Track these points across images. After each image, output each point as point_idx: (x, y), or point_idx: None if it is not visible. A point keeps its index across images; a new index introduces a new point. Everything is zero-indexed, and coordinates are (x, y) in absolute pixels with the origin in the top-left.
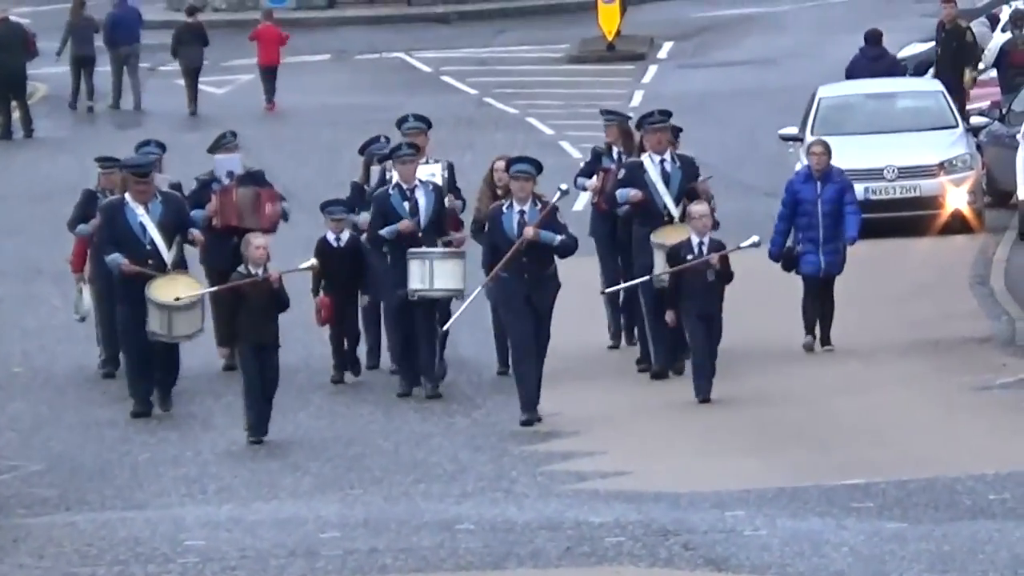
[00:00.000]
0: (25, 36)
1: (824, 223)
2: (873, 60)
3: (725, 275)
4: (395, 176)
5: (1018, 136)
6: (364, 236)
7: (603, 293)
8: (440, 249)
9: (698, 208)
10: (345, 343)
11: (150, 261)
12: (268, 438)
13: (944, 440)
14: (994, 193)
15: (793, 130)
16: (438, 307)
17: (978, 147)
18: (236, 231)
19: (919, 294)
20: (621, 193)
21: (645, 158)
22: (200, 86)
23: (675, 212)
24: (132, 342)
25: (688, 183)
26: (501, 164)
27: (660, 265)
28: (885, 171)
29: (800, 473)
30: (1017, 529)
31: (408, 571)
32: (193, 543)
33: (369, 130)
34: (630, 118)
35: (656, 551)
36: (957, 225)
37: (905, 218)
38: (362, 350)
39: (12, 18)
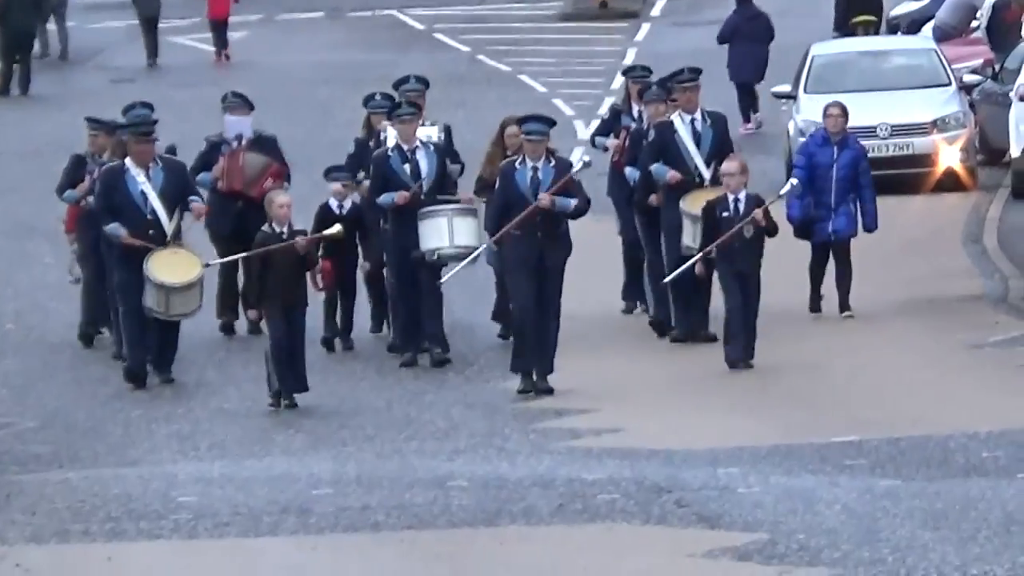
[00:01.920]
0: None
1: (838, 188)
2: (748, 20)
3: (770, 229)
4: (391, 137)
5: (1011, 94)
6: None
7: (665, 281)
8: (455, 205)
9: (727, 165)
10: (339, 312)
11: (151, 231)
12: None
13: (937, 398)
14: (987, 151)
15: (786, 88)
16: (427, 276)
17: (971, 105)
18: (241, 196)
19: (912, 252)
20: (657, 170)
21: (675, 117)
22: (192, 43)
23: (706, 174)
24: (130, 306)
25: (720, 142)
26: (513, 129)
27: (690, 233)
28: (878, 129)
29: (793, 431)
30: (1009, 487)
31: (400, 528)
32: (186, 500)
33: (362, 88)
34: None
35: (649, 508)
36: (950, 183)
37: (898, 176)
38: (362, 319)
39: None
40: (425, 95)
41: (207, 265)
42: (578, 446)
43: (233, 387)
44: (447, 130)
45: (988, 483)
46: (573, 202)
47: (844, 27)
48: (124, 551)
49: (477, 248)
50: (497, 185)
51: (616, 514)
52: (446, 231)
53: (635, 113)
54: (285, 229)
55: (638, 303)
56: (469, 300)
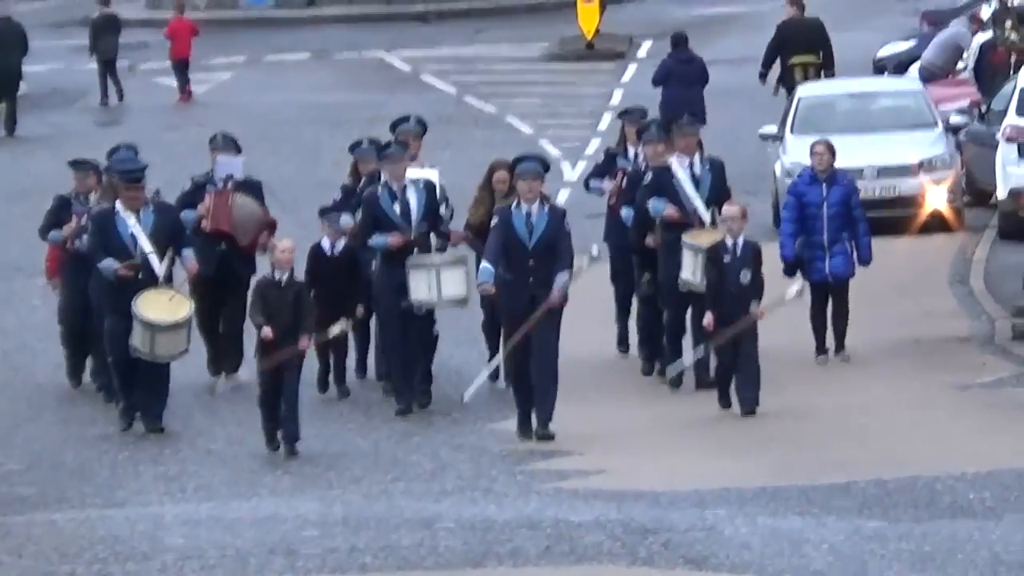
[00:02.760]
0: (23, 34)
1: (830, 227)
2: (682, 63)
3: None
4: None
5: (997, 135)
6: (352, 238)
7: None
8: (443, 257)
9: (728, 210)
10: (331, 357)
11: (140, 275)
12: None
13: (924, 439)
14: (973, 192)
15: (773, 129)
16: (418, 322)
17: (957, 146)
18: (225, 237)
19: (899, 293)
20: (655, 206)
21: (673, 161)
22: (176, 83)
23: (706, 217)
24: (118, 354)
25: (719, 186)
26: (502, 175)
27: (690, 266)
28: (865, 171)
29: (780, 472)
30: (997, 528)
31: (388, 569)
32: (172, 541)
33: (349, 129)
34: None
35: (636, 550)
36: (936, 224)
37: (885, 218)
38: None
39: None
40: (422, 138)
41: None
42: (565, 488)
43: (220, 428)
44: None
45: (975, 524)
46: (567, 276)
47: (770, 66)
48: None
49: (463, 298)
50: (495, 224)
51: (603, 556)
52: (434, 284)
53: (630, 155)
54: (285, 276)
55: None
56: (456, 341)
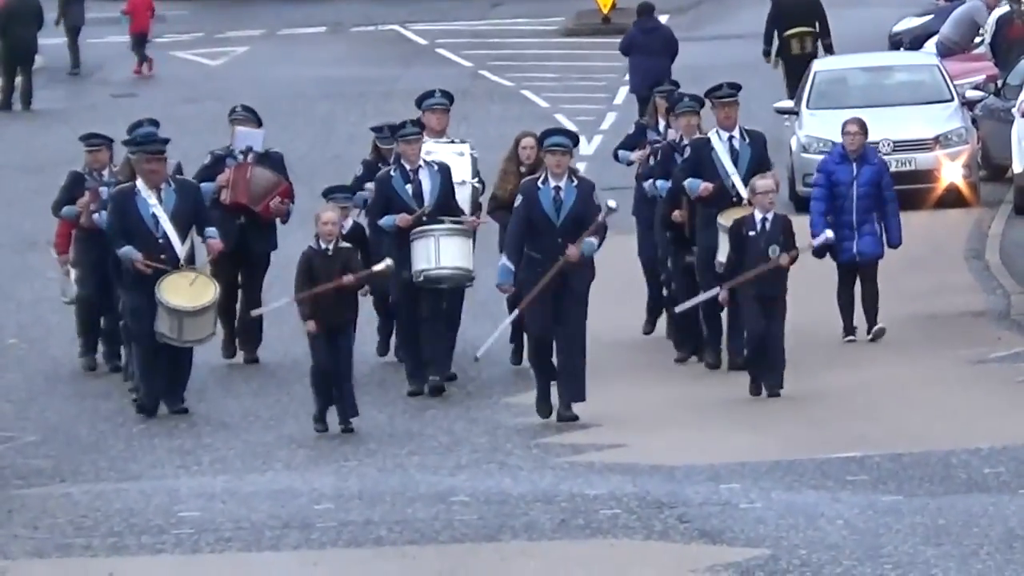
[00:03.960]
0: (38, 8)
1: (859, 206)
2: (646, 33)
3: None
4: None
5: (1013, 110)
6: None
7: (676, 311)
8: (445, 225)
9: (763, 183)
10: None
11: (163, 255)
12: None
13: (939, 414)
14: (989, 167)
15: (789, 103)
16: (445, 297)
17: (973, 121)
18: (244, 210)
19: (914, 268)
20: (691, 185)
21: (712, 134)
22: (193, 57)
23: (744, 193)
24: (142, 333)
25: (759, 160)
26: (529, 140)
27: (725, 248)
28: (880, 145)
29: (795, 446)
30: (1011, 503)
31: (403, 543)
32: (187, 514)
33: (364, 103)
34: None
35: (651, 524)
36: (952, 199)
37: (900, 192)
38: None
39: None
40: (449, 110)
41: (259, 313)
42: (580, 461)
43: (235, 402)
44: (473, 147)
45: (990, 499)
46: (597, 243)
47: (772, 40)
48: (126, 566)
49: (466, 270)
50: (518, 203)
51: (618, 529)
52: (433, 252)
53: (660, 128)
54: (331, 245)
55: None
56: (472, 316)
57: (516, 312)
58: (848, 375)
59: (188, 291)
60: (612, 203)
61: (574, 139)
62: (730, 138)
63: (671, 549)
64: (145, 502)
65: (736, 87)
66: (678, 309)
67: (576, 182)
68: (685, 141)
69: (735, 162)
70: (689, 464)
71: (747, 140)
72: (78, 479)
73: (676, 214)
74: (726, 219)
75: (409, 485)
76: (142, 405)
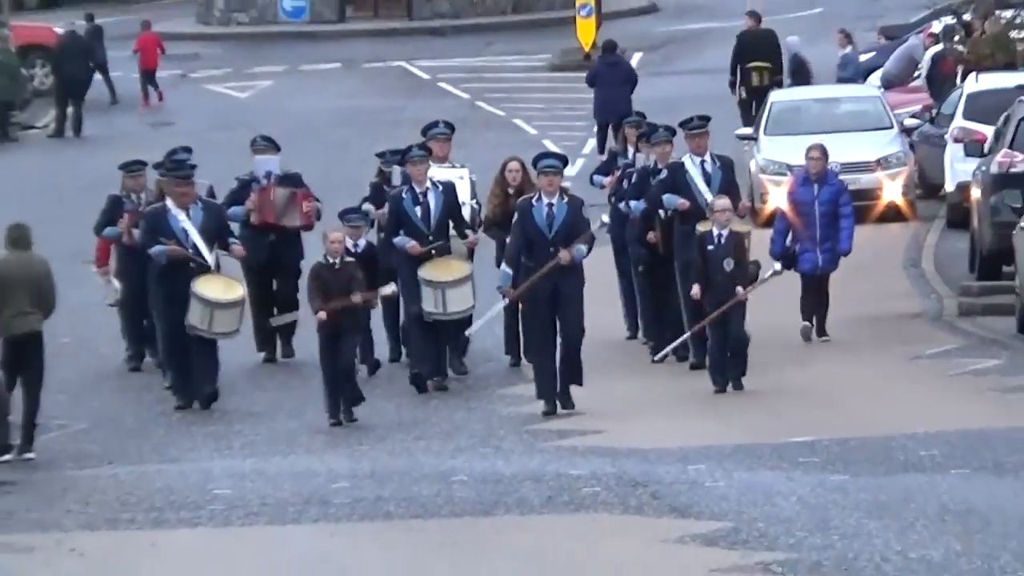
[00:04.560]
0: (89, 46)
1: (821, 223)
2: (609, 67)
3: (747, 274)
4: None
5: (946, 136)
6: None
7: (654, 361)
8: (449, 278)
9: (719, 203)
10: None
11: (192, 264)
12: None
13: (881, 403)
14: (925, 186)
15: (748, 131)
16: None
17: (911, 145)
18: (272, 228)
19: (859, 276)
20: (669, 199)
21: (686, 159)
22: (225, 90)
23: None
24: (170, 324)
25: (728, 182)
26: (515, 165)
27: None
28: (831, 166)
29: (754, 432)
30: (943, 481)
31: (409, 517)
32: (220, 492)
33: (374, 130)
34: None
35: (627, 500)
36: (892, 214)
37: None
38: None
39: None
40: (450, 139)
41: (275, 323)
42: (565, 445)
43: (262, 393)
44: (471, 172)
45: (925, 478)
46: (586, 249)
47: (736, 71)
48: (166, 537)
49: (470, 308)
50: (515, 219)
51: (598, 505)
52: (440, 302)
53: (630, 155)
54: (338, 260)
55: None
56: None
57: (507, 301)
58: (801, 371)
59: (220, 288)
60: (605, 218)
61: (564, 161)
62: (702, 162)
63: (645, 522)
64: (183, 481)
65: (706, 119)
66: (656, 358)
67: (567, 199)
68: (660, 166)
69: (708, 184)
70: (661, 448)
71: (717, 164)
72: (124, 461)
73: (650, 235)
74: (704, 226)
75: (414, 466)
76: (180, 406)
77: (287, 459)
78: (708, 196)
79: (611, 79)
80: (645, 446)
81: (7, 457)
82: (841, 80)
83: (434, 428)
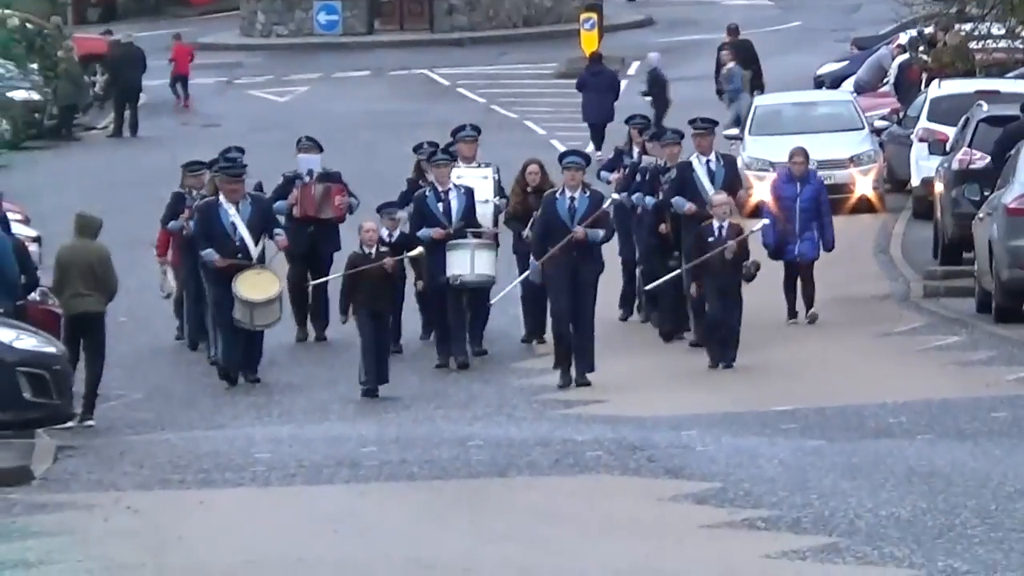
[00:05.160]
0: (143, 55)
1: (802, 217)
2: (594, 75)
3: (742, 255)
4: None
5: (912, 136)
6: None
7: (647, 289)
8: (478, 240)
9: (718, 198)
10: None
11: (239, 255)
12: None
13: (854, 376)
14: (893, 181)
15: (735, 131)
16: (469, 295)
17: (880, 145)
18: (313, 220)
19: (833, 261)
20: (677, 202)
21: (693, 158)
22: (265, 95)
23: None
24: (223, 317)
25: (731, 179)
26: (534, 167)
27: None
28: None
29: (741, 402)
30: (911, 446)
31: (431, 478)
32: (261, 456)
33: (400, 131)
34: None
35: (626, 463)
36: (864, 206)
37: None
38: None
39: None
40: (478, 140)
41: (308, 284)
42: (571, 414)
43: (298, 367)
44: (497, 170)
45: (894, 443)
46: (601, 233)
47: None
48: (213, 496)
49: (492, 277)
50: (540, 212)
51: (600, 467)
52: (468, 261)
53: (635, 154)
54: (373, 249)
55: (635, 311)
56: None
57: (526, 273)
58: (782, 347)
59: (258, 286)
60: (616, 196)
61: (586, 159)
62: (707, 161)
63: (642, 483)
64: (228, 446)
65: (709, 121)
66: (648, 288)
67: (588, 193)
68: (670, 165)
69: (712, 180)
70: (656, 416)
71: (721, 162)
72: (175, 428)
73: (662, 227)
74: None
75: (435, 432)
76: (225, 374)
77: (321, 426)
78: (712, 192)
79: (597, 86)
80: (642, 414)
81: (70, 424)
82: (721, 92)
83: (453, 399)
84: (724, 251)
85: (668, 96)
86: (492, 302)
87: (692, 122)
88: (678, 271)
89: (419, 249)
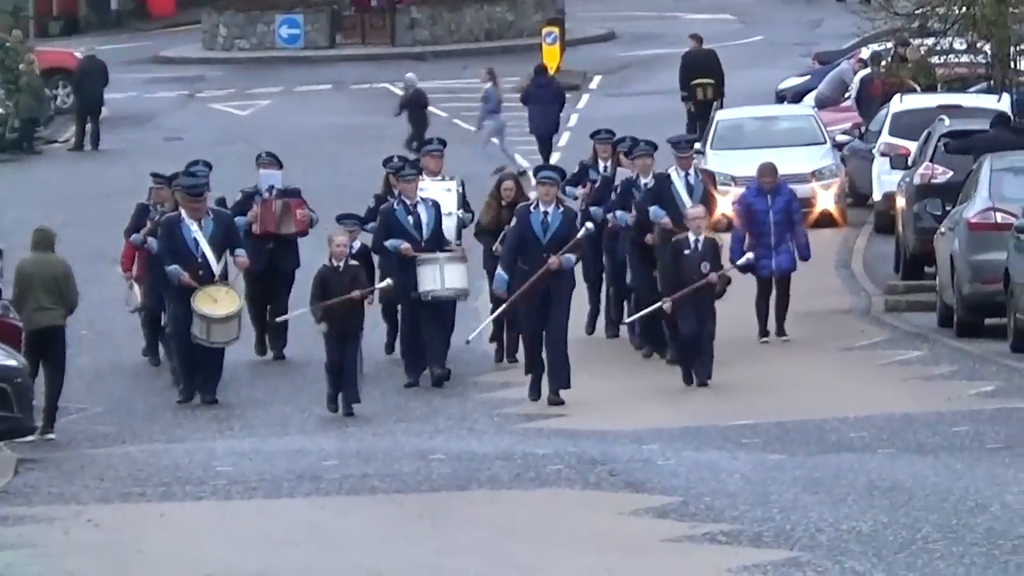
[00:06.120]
0: (105, 68)
1: (776, 230)
2: (540, 87)
3: (724, 282)
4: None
5: (873, 151)
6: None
7: (626, 322)
8: (447, 253)
9: (693, 211)
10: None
11: (200, 272)
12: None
13: (815, 390)
14: (855, 195)
15: (697, 145)
16: (441, 308)
17: (842, 159)
18: (273, 237)
19: (796, 275)
20: (655, 212)
21: (672, 171)
22: (227, 108)
23: None
24: (181, 334)
25: (708, 193)
26: (509, 183)
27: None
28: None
29: (702, 416)
30: (872, 460)
31: (392, 491)
32: (222, 469)
33: (362, 145)
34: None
35: (587, 476)
36: (825, 220)
37: None
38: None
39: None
40: (443, 154)
41: (283, 319)
42: (532, 427)
43: (260, 380)
44: (462, 183)
45: (855, 457)
46: (574, 258)
47: (686, 88)
48: (174, 509)
49: (464, 290)
50: (512, 225)
51: (561, 481)
52: (439, 276)
53: (600, 167)
54: (342, 263)
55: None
56: (466, 320)
57: (503, 307)
58: (745, 363)
59: (217, 302)
60: (590, 225)
61: (561, 173)
62: (686, 175)
63: (603, 497)
64: (189, 459)
65: (692, 141)
66: (627, 320)
67: (562, 209)
68: (643, 178)
69: (690, 195)
70: (618, 430)
71: (699, 177)
72: (136, 441)
73: (648, 237)
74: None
75: (397, 446)
76: (183, 400)
77: (282, 440)
78: (689, 206)
79: (542, 97)
80: (603, 428)
81: (31, 437)
82: (484, 112)
83: (414, 412)
84: (707, 282)
85: (426, 115)
86: (469, 339)
87: (676, 145)
88: (659, 304)
89: (388, 281)
